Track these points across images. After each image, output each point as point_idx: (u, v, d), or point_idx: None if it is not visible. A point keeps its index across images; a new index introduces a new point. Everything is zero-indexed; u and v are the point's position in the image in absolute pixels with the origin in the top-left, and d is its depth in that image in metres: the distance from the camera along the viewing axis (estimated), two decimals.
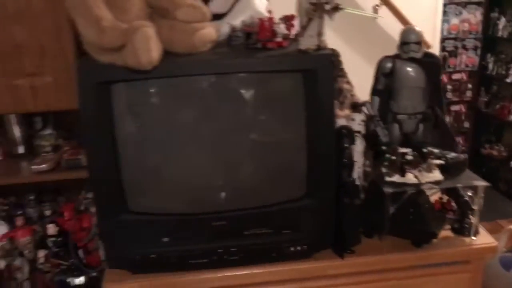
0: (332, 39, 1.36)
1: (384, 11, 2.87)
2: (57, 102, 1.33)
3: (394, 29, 2.81)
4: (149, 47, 1.08)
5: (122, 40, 1.09)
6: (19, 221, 1.58)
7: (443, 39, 3.86)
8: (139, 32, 1.06)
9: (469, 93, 4.10)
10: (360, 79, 1.61)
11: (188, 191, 1.30)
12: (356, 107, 1.55)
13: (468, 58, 4.00)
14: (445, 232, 1.43)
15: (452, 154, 1.41)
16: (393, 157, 1.37)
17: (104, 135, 1.20)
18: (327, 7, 1.12)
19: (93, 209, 1.62)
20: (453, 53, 3.97)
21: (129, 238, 1.29)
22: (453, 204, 1.44)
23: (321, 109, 1.22)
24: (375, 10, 2.90)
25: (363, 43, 2.68)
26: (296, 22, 1.25)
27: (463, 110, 4.17)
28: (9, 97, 1.31)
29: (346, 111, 1.49)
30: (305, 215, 1.32)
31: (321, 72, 1.19)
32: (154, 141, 1.27)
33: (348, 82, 1.64)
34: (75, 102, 1.20)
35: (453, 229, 1.43)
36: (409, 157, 1.38)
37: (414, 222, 1.37)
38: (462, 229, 1.42)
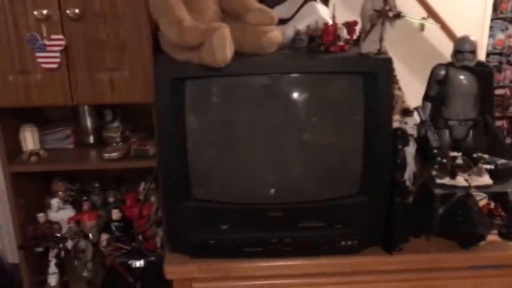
0: None
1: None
2: (132, 96, 1.44)
3: (439, 40, 2.86)
4: (225, 47, 1.18)
5: (201, 39, 1.19)
6: (86, 206, 1.70)
7: (488, 54, 3.86)
8: (218, 32, 1.16)
9: None
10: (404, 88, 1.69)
11: (246, 183, 1.39)
12: (406, 112, 1.62)
13: None
14: (492, 237, 1.46)
15: (502, 161, 1.46)
16: (444, 160, 1.43)
17: (176, 127, 1.30)
18: (390, 14, 1.20)
19: (153, 199, 1.73)
20: (498, 68, 3.95)
21: (191, 224, 1.38)
22: (501, 210, 1.48)
23: (380, 111, 1.29)
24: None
25: (407, 53, 2.73)
26: (357, 28, 1.33)
27: (506, 125, 4.14)
28: (90, 90, 1.42)
29: (397, 116, 1.56)
30: (357, 212, 1.38)
31: (381, 75, 1.26)
32: (218, 135, 1.36)
33: (399, 89, 1.71)
34: (148, 96, 1.32)
35: (500, 234, 1.47)
36: (460, 161, 1.44)
37: (462, 224, 1.41)
38: (510, 234, 1.46)
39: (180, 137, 1.32)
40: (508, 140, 4.17)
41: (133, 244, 1.60)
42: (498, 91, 4.04)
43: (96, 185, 1.80)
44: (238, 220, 1.38)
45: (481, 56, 3.60)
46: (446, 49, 2.28)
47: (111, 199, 1.77)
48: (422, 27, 2.92)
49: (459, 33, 2.61)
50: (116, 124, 1.74)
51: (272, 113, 1.34)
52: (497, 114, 4.08)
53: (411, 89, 1.73)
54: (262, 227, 1.38)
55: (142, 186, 1.79)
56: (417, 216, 1.45)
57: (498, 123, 4.13)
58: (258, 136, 1.36)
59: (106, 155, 1.54)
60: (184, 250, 1.42)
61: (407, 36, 2.76)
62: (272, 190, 1.39)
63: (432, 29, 2.91)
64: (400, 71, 1.63)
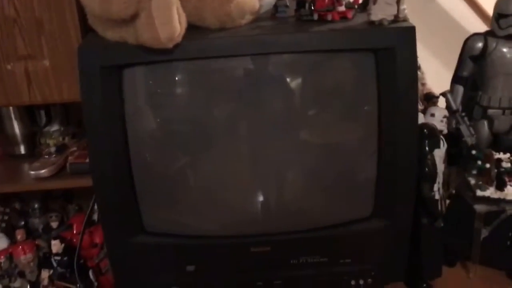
0: None
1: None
2: (56, 93, 1.06)
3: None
4: (170, 17, 0.80)
5: (134, 8, 0.81)
6: (20, 235, 1.33)
7: None
8: None
9: None
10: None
11: (220, 207, 1.02)
12: (430, 99, 1.24)
13: None
14: None
15: None
16: (487, 165, 1.05)
17: (112, 134, 0.93)
18: None
19: None
20: None
21: (144, 266, 1.02)
22: None
23: (400, 101, 0.91)
24: None
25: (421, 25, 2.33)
26: None
27: None
28: (0, 86, 1.04)
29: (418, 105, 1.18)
30: (371, 240, 1.02)
31: (400, 52, 0.87)
32: (176, 142, 0.99)
33: (419, 68, 1.32)
34: (78, 92, 0.93)
35: None
36: (507, 165, 1.06)
37: None
38: None
39: (120, 148, 0.94)
40: None
41: (78, 285, 1.23)
42: None
43: (36, 205, 1.42)
44: (210, 259, 1.01)
45: None
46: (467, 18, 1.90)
47: (54, 224, 1.39)
48: None
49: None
50: (55, 127, 1.35)
51: (247, 110, 0.96)
52: None
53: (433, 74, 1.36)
54: (243, 267, 1.02)
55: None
56: (451, 239, 1.09)
57: None
58: (229, 143, 0.98)
59: (33, 172, 1.16)
60: None
61: (418, 3, 2.36)
62: (254, 217, 1.02)
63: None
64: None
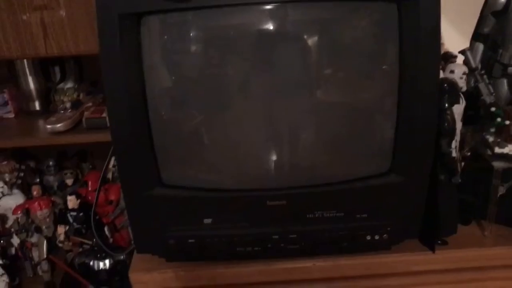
0: None
1: None
2: (73, 45, 1.05)
3: None
4: None
5: None
6: (36, 191, 1.34)
7: None
8: None
9: None
10: None
11: (237, 162, 1.02)
12: (448, 58, 1.22)
13: None
14: None
15: None
16: (507, 122, 1.04)
17: (131, 86, 0.92)
18: None
19: None
20: None
21: (162, 218, 1.02)
22: None
23: (422, 55, 0.89)
24: None
25: None
26: None
27: None
28: (15, 38, 1.03)
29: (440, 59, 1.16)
30: (388, 196, 1.01)
31: (425, 3, 0.85)
32: (192, 97, 0.98)
33: None
34: (96, 44, 0.92)
35: None
36: None
37: None
38: None
39: (139, 102, 0.93)
40: None
41: (94, 240, 1.24)
42: None
43: (51, 163, 1.43)
44: (226, 212, 1.02)
45: None
46: None
47: (69, 181, 1.40)
48: None
49: None
50: (69, 84, 1.35)
51: (267, 64, 0.95)
52: None
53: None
54: (259, 220, 1.02)
55: (112, 162, 1.43)
56: (467, 196, 1.08)
57: None
58: (248, 96, 0.98)
59: (49, 126, 1.16)
60: (156, 251, 1.07)
61: None
62: (271, 171, 1.02)
63: None
64: None
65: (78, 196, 1.31)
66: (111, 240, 1.32)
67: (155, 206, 1.01)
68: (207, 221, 1.02)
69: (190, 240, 1.03)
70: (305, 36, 0.95)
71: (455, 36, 1.32)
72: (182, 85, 0.98)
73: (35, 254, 1.32)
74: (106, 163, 1.14)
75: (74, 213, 1.29)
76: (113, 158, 1.40)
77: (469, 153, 1.14)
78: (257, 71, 0.97)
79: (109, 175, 1.42)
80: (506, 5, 1.09)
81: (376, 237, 1.03)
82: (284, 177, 1.02)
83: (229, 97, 0.98)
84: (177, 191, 1.01)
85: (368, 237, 1.03)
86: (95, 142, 1.16)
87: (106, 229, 1.30)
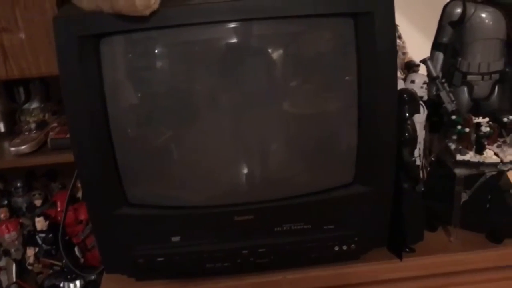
0: None
1: None
2: (34, 67, 1.04)
3: None
4: None
5: None
6: (3, 213, 1.32)
7: None
8: None
9: None
10: None
11: (203, 178, 1.02)
12: (411, 67, 1.25)
13: None
14: None
15: None
16: (466, 129, 1.06)
17: (92, 106, 0.91)
18: None
19: None
20: None
21: (130, 237, 1.02)
22: None
23: (380, 67, 0.91)
24: None
25: None
26: None
27: None
28: None
29: (398, 73, 1.18)
30: (353, 206, 1.02)
31: (379, 16, 0.88)
32: (156, 113, 0.98)
33: (400, 37, 1.32)
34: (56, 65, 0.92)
35: None
36: (486, 129, 1.07)
37: (493, 212, 1.07)
38: None
39: (101, 120, 0.93)
40: None
41: (64, 261, 1.23)
42: None
43: (19, 184, 1.41)
44: (194, 229, 1.02)
45: None
46: None
47: (37, 202, 1.38)
48: None
49: None
50: (35, 104, 1.34)
51: (229, 80, 0.95)
52: None
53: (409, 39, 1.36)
54: (227, 236, 1.02)
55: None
56: (432, 204, 1.10)
57: None
58: (211, 113, 0.98)
59: (13, 148, 1.15)
60: (125, 271, 1.06)
61: None
62: (237, 186, 1.02)
63: None
64: None
65: (47, 217, 1.29)
66: (82, 260, 1.31)
67: (121, 226, 1.01)
68: (175, 239, 1.02)
69: (159, 259, 1.02)
70: (269, 51, 0.96)
71: (424, 43, 1.34)
72: (145, 103, 0.98)
73: (3, 278, 1.30)
74: (72, 182, 1.13)
75: (43, 235, 1.28)
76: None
77: (434, 160, 1.17)
78: (221, 86, 0.97)
79: (79, 194, 1.40)
80: (462, 15, 1.12)
81: (344, 247, 1.04)
82: (251, 191, 1.02)
83: (193, 112, 0.98)
84: (143, 209, 1.00)
85: (336, 248, 1.04)
86: (62, 162, 1.15)
87: (76, 249, 1.29)
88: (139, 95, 0.98)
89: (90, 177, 0.97)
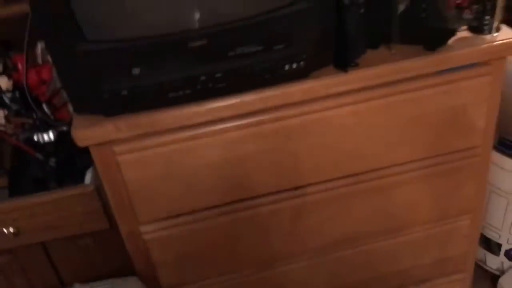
0: None
1: None
2: None
3: None
4: None
5: None
6: None
7: None
8: None
9: None
10: None
11: (152, 8, 1.05)
12: None
13: None
14: (461, 33, 1.23)
15: None
16: None
17: None
18: None
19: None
20: None
21: (91, 74, 1.07)
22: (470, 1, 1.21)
23: None
24: None
25: None
26: None
27: None
28: None
29: None
30: (299, 24, 1.09)
31: None
32: None
33: None
34: None
35: (471, 29, 1.24)
36: None
37: (427, 19, 1.15)
38: (481, 27, 1.22)
39: None
40: None
41: (34, 115, 1.29)
42: None
43: None
44: (152, 60, 1.07)
45: None
46: None
47: None
48: None
49: None
50: None
51: None
52: None
53: None
54: (184, 63, 1.08)
55: (39, 47, 1.44)
56: (373, 21, 1.18)
57: None
58: None
59: None
60: (93, 109, 1.13)
61: None
62: (188, 12, 1.06)
63: None
64: None
65: (9, 76, 1.32)
66: (52, 117, 1.37)
67: (82, 63, 1.05)
68: (136, 71, 1.07)
69: (123, 92, 1.09)
70: None
71: None
72: None
73: None
74: (26, 34, 1.15)
75: (9, 94, 1.32)
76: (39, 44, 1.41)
77: None
78: None
79: (39, 60, 1.43)
80: None
81: (294, 66, 1.13)
82: (201, 17, 1.06)
83: None
84: (101, 44, 1.04)
85: (287, 67, 1.12)
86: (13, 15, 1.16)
87: (44, 106, 1.34)
88: None
89: (44, 17, 0.99)
